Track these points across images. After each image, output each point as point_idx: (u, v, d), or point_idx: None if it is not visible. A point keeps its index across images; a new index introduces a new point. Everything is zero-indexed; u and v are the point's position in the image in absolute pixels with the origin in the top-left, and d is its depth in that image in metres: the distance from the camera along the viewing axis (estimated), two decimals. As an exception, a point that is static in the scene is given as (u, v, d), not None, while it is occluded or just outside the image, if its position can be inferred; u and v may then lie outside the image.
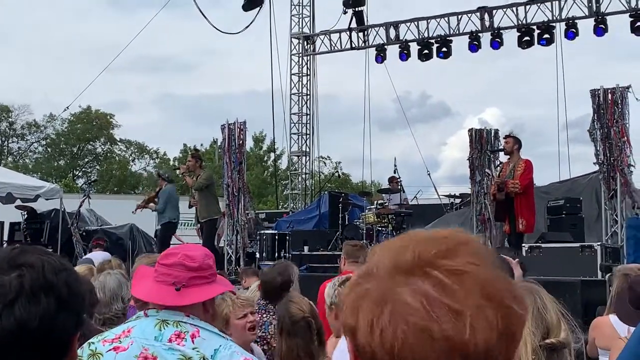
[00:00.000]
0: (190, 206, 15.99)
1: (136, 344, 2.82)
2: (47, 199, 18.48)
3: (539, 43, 19.53)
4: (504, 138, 13.44)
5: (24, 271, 1.49)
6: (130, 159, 56.83)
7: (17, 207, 18.69)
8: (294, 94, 24.54)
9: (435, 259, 1.04)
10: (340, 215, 16.56)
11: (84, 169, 56.20)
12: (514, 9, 20.06)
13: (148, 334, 2.85)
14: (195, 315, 2.91)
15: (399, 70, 36.69)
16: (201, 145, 53.57)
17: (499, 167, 13.60)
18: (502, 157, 16.27)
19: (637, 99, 13.61)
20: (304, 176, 24.82)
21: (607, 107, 13.53)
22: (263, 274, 5.98)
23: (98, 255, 11.86)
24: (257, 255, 15.35)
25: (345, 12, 21.87)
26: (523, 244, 12.68)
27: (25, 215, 18.78)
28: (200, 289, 2.92)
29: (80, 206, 17.51)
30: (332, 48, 23.58)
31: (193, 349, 2.80)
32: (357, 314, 1.05)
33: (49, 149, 54.74)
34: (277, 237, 15.29)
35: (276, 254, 14.71)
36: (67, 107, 27.26)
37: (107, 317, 4.48)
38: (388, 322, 1.02)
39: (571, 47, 19.87)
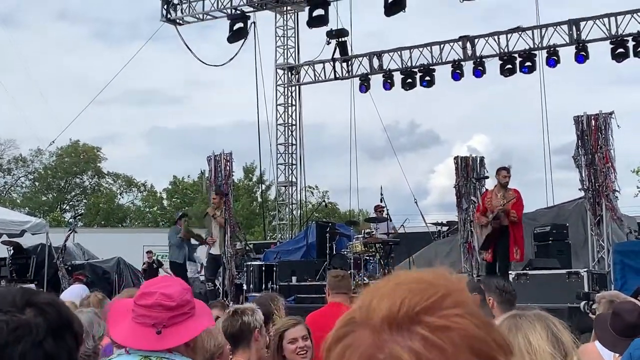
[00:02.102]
0: (207, 243, 15.97)
1: None
2: (33, 234, 18.41)
3: (521, 71, 19.71)
4: (503, 170, 13.09)
5: (46, 309, 1.54)
6: (117, 192, 56.69)
7: (3, 242, 18.60)
8: (280, 124, 24.64)
9: (419, 315, 1.01)
10: (327, 245, 16.53)
11: (71, 203, 56.00)
12: (496, 37, 20.26)
13: None
14: (177, 351, 2.91)
15: (388, 100, 36.95)
16: (188, 176, 53.65)
17: (488, 198, 13.32)
18: (488, 185, 16.34)
19: (618, 126, 13.69)
20: (291, 206, 24.82)
21: (591, 133, 13.62)
22: None
23: (75, 290, 11.83)
24: (245, 286, 15.29)
25: (328, 43, 22.01)
26: (510, 272, 12.67)
27: (12, 251, 18.68)
28: (181, 327, 2.91)
29: (66, 240, 17.44)
30: (317, 78, 23.73)
31: None
32: None
33: (36, 183, 54.57)
34: (264, 268, 15.23)
35: (263, 285, 14.65)
36: (53, 141, 27.37)
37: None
38: None
39: (556, 73, 20.08)
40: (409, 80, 21.10)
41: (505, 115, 75.44)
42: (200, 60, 22.39)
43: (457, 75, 20.39)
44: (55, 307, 1.59)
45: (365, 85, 21.92)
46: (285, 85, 24.64)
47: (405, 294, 1.03)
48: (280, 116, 24.68)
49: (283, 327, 4.67)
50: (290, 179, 24.70)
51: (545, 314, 2.74)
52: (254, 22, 22.18)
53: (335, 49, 22.09)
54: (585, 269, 12.28)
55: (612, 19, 18.87)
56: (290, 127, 24.74)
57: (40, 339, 1.50)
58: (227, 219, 15.56)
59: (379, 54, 22.07)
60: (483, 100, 67.64)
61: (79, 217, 33.57)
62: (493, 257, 12.83)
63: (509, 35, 20.12)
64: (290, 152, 24.71)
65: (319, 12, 20.34)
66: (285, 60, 24.71)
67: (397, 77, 21.36)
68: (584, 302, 6.90)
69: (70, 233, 17.58)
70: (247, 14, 21.54)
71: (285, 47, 24.74)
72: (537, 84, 20.25)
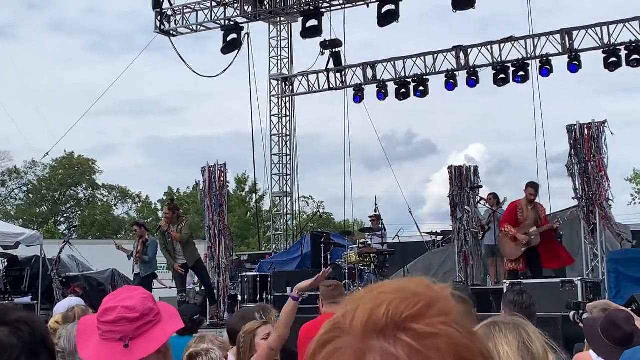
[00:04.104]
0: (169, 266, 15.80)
1: None
2: (27, 246, 18.36)
3: (514, 80, 19.73)
4: (531, 187, 13.55)
5: (20, 328, 1.52)
6: (112, 203, 56.60)
7: (-3, 254, 18.57)
8: (274, 134, 24.65)
9: (406, 322, 1.02)
10: (322, 255, 16.50)
11: (66, 215, 55.87)
12: (489, 47, 20.30)
13: None
14: None
15: (386, 110, 36.98)
16: (187, 187, 53.58)
17: (520, 210, 13.53)
18: (482, 194, 16.39)
19: (612, 133, 13.75)
20: (286, 217, 24.81)
21: (584, 142, 13.67)
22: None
23: (69, 303, 11.76)
24: (239, 297, 15.27)
25: (322, 53, 22.06)
26: (504, 281, 12.76)
27: (6, 263, 18.63)
28: (148, 335, 2.86)
29: (60, 252, 17.38)
30: (311, 89, 23.73)
31: None
32: None
33: (30, 195, 54.45)
34: (258, 278, 15.22)
35: (258, 296, 14.64)
36: (47, 153, 27.25)
37: None
38: None
39: (550, 82, 20.11)
40: (403, 90, 21.11)
41: (501, 125, 75.73)
42: (194, 72, 22.43)
43: (450, 85, 20.42)
44: (29, 325, 1.56)
45: (359, 96, 21.95)
46: (279, 96, 24.65)
47: (391, 301, 1.04)
48: (275, 127, 24.69)
49: (254, 327, 5.13)
50: (284, 190, 24.70)
51: (523, 322, 2.73)
52: (248, 33, 22.26)
53: (329, 59, 22.15)
54: (579, 278, 12.29)
55: (605, 28, 18.92)
56: (284, 138, 24.75)
57: (15, 358, 1.49)
58: (222, 229, 15.59)
59: (373, 64, 22.11)
60: (479, 109, 67.87)
61: (74, 228, 33.48)
62: (526, 266, 13.19)
63: (502, 45, 20.15)
64: (284, 162, 24.73)
65: (312, 22, 20.39)
66: (279, 71, 24.74)
67: (391, 87, 21.36)
68: (574, 311, 6.86)
69: (65, 245, 17.52)
70: (241, 25, 21.58)
71: (279, 57, 24.77)
72: (531, 93, 20.32)
